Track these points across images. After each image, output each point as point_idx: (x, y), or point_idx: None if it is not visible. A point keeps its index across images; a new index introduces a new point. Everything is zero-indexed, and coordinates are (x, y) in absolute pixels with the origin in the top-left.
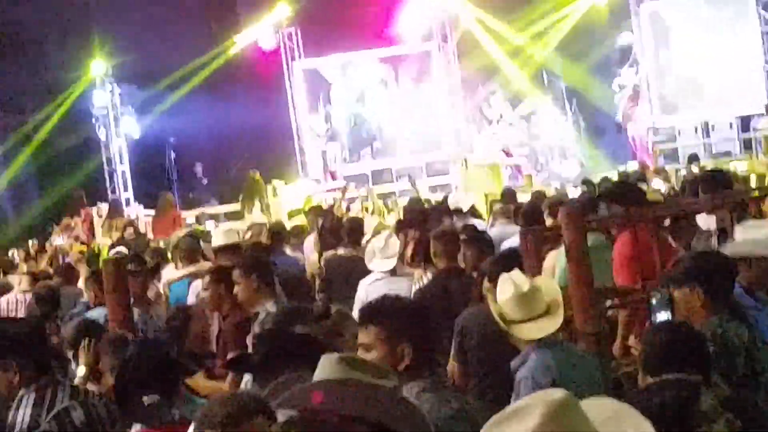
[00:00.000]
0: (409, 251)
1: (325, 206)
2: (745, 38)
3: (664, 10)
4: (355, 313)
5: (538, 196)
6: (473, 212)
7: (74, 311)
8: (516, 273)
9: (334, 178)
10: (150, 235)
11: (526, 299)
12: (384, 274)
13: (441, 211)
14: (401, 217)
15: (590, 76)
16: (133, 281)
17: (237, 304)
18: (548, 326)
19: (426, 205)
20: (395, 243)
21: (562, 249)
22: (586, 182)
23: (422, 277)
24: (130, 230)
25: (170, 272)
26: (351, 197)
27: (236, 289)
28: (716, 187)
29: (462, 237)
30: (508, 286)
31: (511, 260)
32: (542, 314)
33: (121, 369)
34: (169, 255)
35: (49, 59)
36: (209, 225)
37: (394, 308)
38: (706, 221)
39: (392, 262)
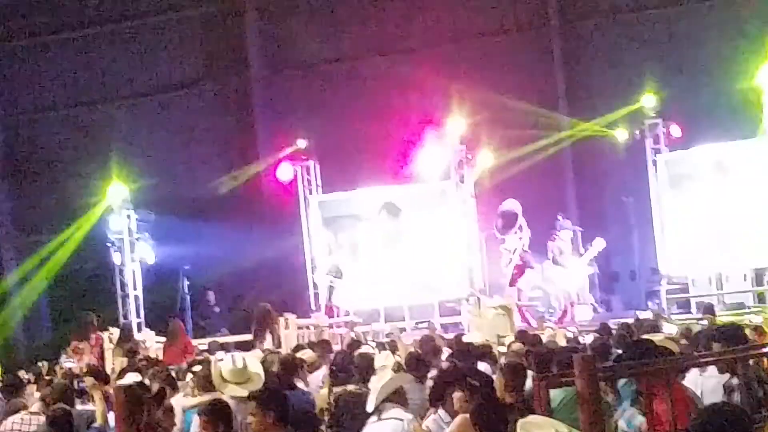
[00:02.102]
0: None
1: (334, 340)
2: (762, 190)
3: (680, 160)
4: None
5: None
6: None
7: None
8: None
9: (333, 314)
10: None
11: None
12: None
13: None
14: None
15: (607, 219)
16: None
17: None
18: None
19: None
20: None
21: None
22: (602, 328)
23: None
24: (140, 356)
25: (184, 399)
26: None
27: (249, 419)
28: (731, 341)
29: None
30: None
31: None
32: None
33: None
34: (179, 383)
35: (67, 182)
36: (220, 355)
37: None
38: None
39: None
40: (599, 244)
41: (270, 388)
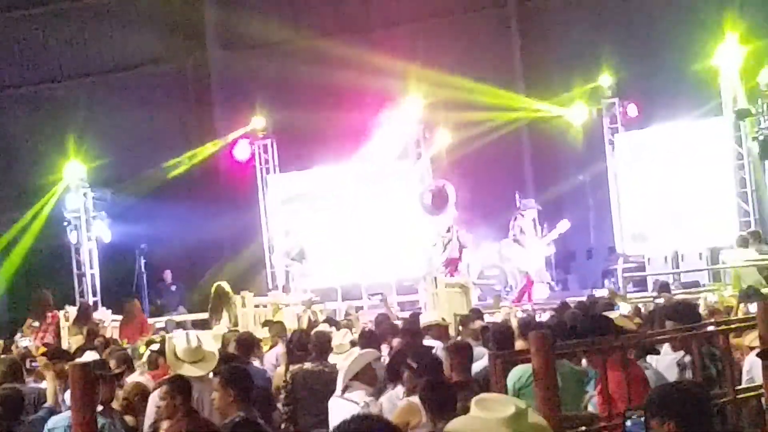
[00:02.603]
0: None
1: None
2: (718, 170)
3: (638, 140)
4: None
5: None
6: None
7: (37, 416)
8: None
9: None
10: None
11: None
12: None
13: (410, 330)
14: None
15: (564, 199)
16: (99, 388)
17: (189, 415)
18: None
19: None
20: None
21: (516, 369)
22: (562, 306)
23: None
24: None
25: (139, 378)
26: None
27: (213, 395)
28: (685, 318)
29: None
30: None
31: None
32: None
33: None
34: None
35: (23, 160)
36: (176, 333)
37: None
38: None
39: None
40: (564, 225)
41: (234, 365)
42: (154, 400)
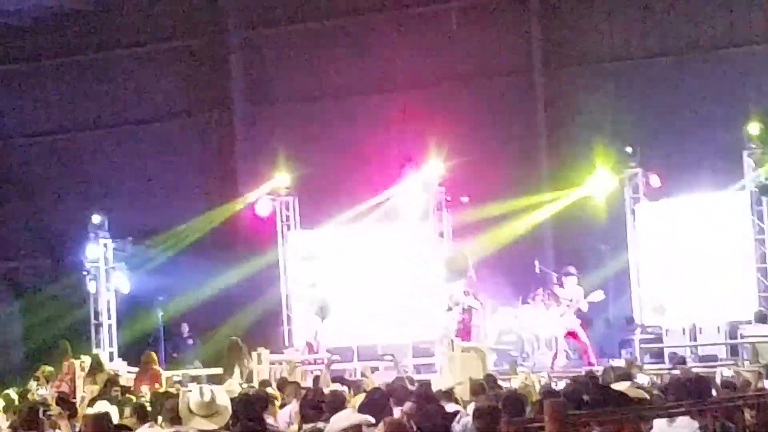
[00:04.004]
0: None
1: (304, 378)
2: (738, 244)
3: (660, 211)
4: None
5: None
6: (450, 396)
7: None
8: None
9: (313, 351)
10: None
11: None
12: None
13: (419, 394)
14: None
15: (584, 267)
16: None
17: None
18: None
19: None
20: None
21: None
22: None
23: None
24: (116, 388)
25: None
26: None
27: None
28: (700, 392)
29: None
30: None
31: None
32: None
33: None
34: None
35: (45, 208)
36: (191, 386)
37: None
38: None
39: None
40: (597, 296)
41: (249, 423)
42: None
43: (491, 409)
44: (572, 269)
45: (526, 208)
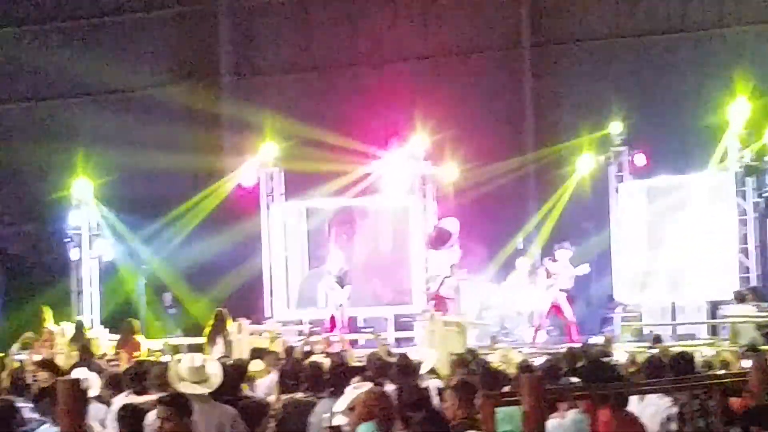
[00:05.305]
0: None
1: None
2: (721, 224)
3: (643, 190)
4: None
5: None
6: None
7: (29, 427)
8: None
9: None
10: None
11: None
12: None
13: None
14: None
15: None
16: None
17: None
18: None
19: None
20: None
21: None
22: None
23: None
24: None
25: (127, 398)
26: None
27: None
28: (680, 370)
29: None
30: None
31: None
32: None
33: None
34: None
35: (28, 175)
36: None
37: None
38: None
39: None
40: (583, 269)
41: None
42: (151, 422)
43: (467, 383)
44: (567, 244)
45: (511, 184)
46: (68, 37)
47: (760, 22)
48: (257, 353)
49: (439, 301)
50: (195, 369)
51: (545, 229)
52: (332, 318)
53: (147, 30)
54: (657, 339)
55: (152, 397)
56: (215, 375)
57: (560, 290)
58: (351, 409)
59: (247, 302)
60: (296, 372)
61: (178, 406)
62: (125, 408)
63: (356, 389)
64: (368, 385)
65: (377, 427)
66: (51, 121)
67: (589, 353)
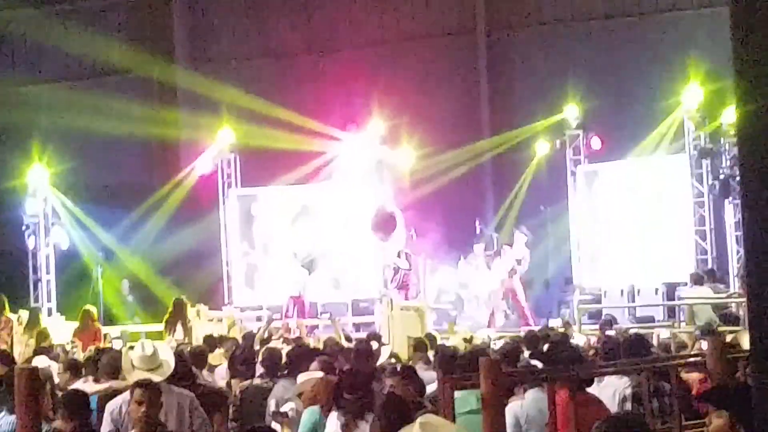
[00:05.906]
0: None
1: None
2: (678, 207)
3: (599, 173)
4: None
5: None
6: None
7: None
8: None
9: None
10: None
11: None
12: None
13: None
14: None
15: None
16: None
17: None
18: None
19: (347, 344)
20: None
21: (462, 393)
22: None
23: None
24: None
25: (86, 386)
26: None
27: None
28: (636, 351)
29: None
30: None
31: None
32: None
33: None
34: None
35: None
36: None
37: None
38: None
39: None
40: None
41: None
42: (110, 408)
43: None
44: (523, 228)
45: (467, 169)
46: (23, 25)
47: (714, 5)
48: (210, 340)
49: (404, 288)
50: (147, 357)
51: (502, 212)
52: (293, 302)
53: (101, 18)
54: (609, 322)
55: (110, 384)
56: (167, 362)
57: (516, 274)
58: (299, 395)
59: (207, 289)
60: (247, 359)
61: (153, 389)
62: (69, 393)
63: (306, 377)
64: (319, 374)
65: (321, 411)
66: (8, 108)
67: (550, 336)
